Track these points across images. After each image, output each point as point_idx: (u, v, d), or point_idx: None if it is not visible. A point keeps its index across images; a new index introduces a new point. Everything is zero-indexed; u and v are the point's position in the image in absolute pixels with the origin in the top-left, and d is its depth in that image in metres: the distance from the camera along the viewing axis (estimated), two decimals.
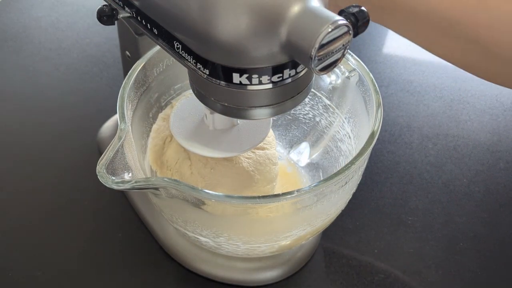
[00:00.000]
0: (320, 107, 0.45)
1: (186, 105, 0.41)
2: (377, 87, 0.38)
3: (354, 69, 0.40)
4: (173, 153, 0.41)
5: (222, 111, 0.32)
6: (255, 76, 0.28)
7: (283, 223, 0.37)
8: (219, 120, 0.38)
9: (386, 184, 0.54)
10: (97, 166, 0.31)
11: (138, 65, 0.39)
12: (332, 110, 0.44)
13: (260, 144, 0.40)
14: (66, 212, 0.50)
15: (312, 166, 0.48)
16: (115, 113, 0.36)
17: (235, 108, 0.31)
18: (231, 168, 0.40)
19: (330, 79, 0.43)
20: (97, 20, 0.32)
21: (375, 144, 0.35)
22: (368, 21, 0.28)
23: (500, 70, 0.41)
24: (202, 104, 0.33)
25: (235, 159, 0.40)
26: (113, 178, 0.31)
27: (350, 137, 0.42)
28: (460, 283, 0.46)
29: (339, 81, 0.42)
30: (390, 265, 0.47)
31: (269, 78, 0.28)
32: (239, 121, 0.39)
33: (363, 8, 0.28)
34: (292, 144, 0.49)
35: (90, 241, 0.48)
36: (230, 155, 0.38)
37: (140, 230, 0.48)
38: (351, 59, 0.40)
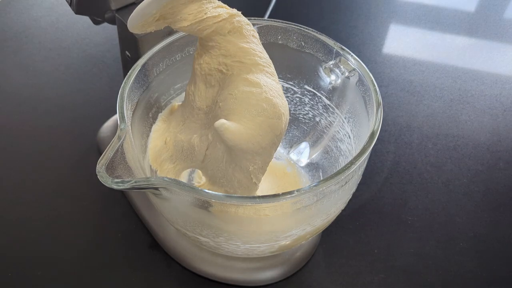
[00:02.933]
0: (320, 107, 0.45)
1: None
2: (377, 87, 0.38)
3: (354, 69, 0.40)
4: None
5: None
6: None
7: (283, 223, 0.37)
8: None
9: (386, 184, 0.54)
10: (97, 166, 0.31)
11: (138, 65, 0.39)
12: (332, 110, 0.44)
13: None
14: (66, 212, 0.50)
15: (312, 166, 0.48)
16: (115, 113, 0.36)
17: None
18: (257, 96, 0.34)
19: (330, 79, 0.43)
20: None
21: (375, 144, 0.35)
22: None
23: None
24: None
25: (264, 88, 0.34)
26: (113, 178, 0.31)
27: (350, 137, 0.42)
28: (460, 283, 0.46)
29: (339, 81, 0.42)
30: (390, 265, 0.47)
31: None
32: None
33: None
34: (292, 144, 0.49)
35: (90, 241, 0.48)
36: None
37: (140, 230, 0.48)
38: (351, 59, 0.40)
